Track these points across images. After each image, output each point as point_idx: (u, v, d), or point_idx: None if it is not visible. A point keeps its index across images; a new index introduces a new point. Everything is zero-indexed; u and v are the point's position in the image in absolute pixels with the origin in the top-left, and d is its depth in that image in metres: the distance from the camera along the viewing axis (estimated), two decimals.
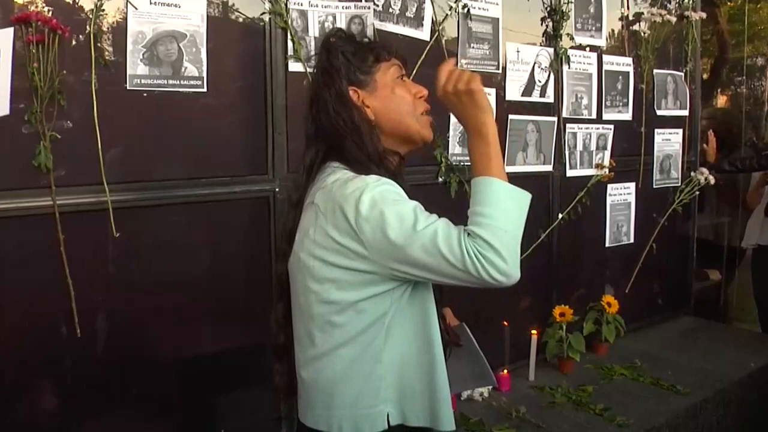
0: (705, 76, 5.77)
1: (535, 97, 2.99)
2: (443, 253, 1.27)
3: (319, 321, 1.43)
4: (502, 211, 1.31)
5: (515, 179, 2.81)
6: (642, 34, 3.44)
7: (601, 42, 3.26)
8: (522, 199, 1.36)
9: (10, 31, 1.71)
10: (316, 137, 1.51)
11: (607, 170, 3.28)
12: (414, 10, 2.51)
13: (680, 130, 3.74)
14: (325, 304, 1.41)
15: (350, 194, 1.33)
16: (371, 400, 1.43)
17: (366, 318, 1.40)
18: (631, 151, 3.47)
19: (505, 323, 2.86)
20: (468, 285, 1.30)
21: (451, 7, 2.62)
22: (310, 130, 1.52)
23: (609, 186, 3.39)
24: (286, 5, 2.19)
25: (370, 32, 2.30)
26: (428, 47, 2.54)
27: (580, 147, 3.21)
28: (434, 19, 2.57)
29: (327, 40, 1.53)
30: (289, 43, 2.21)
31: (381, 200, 1.31)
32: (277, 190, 2.24)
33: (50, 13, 1.78)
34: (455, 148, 2.70)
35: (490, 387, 2.80)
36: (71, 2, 1.83)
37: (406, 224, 1.30)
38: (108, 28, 1.89)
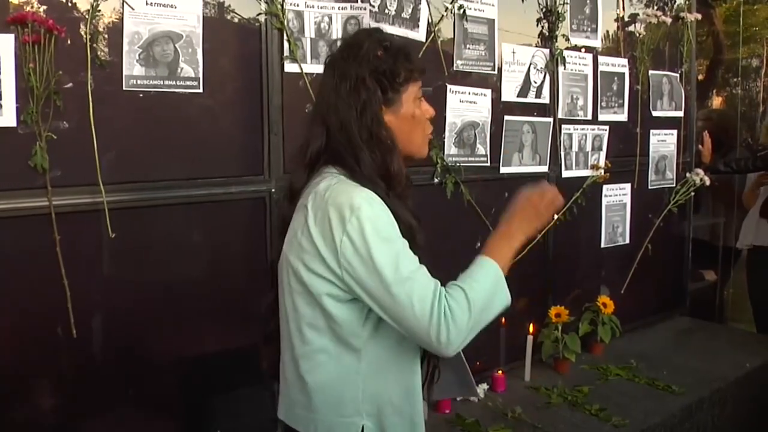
0: (700, 77, 5.78)
1: (531, 98, 2.99)
2: (413, 306, 1.32)
3: (301, 323, 1.44)
4: (488, 301, 1.40)
5: (511, 180, 2.81)
6: (637, 35, 3.45)
7: (597, 43, 3.26)
8: (504, 299, 1.45)
9: (11, 37, 1.71)
10: (326, 133, 1.47)
11: (602, 171, 3.29)
12: (410, 11, 2.51)
13: (675, 131, 3.76)
14: (307, 307, 1.43)
15: (341, 209, 1.34)
16: (348, 410, 1.44)
17: (343, 327, 1.41)
18: (626, 151, 3.49)
19: (503, 321, 2.87)
20: (410, 335, 1.37)
21: (446, 8, 2.62)
22: (317, 121, 1.49)
23: (604, 187, 3.39)
24: (282, 6, 2.19)
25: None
26: (424, 48, 2.54)
27: (575, 148, 3.22)
28: (430, 20, 2.57)
29: (370, 51, 1.45)
30: (285, 44, 2.21)
31: (371, 229, 1.33)
32: (273, 190, 2.24)
33: (46, 13, 1.77)
34: (451, 149, 2.70)
35: (486, 387, 2.81)
36: (67, 3, 1.83)
37: (389, 267, 1.33)
38: (104, 29, 1.89)
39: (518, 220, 1.52)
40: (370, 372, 1.43)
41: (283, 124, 2.24)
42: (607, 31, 3.39)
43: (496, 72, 2.84)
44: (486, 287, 1.39)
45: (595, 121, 3.29)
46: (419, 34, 2.54)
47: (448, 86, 2.67)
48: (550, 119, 3.08)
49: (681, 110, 3.76)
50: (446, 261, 2.79)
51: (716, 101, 6.38)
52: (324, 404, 1.44)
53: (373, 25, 2.36)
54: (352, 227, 1.33)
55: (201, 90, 2.06)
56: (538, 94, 3.02)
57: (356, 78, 1.44)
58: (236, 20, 2.16)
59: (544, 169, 3.09)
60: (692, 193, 3.76)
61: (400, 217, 1.41)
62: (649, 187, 3.64)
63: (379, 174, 1.43)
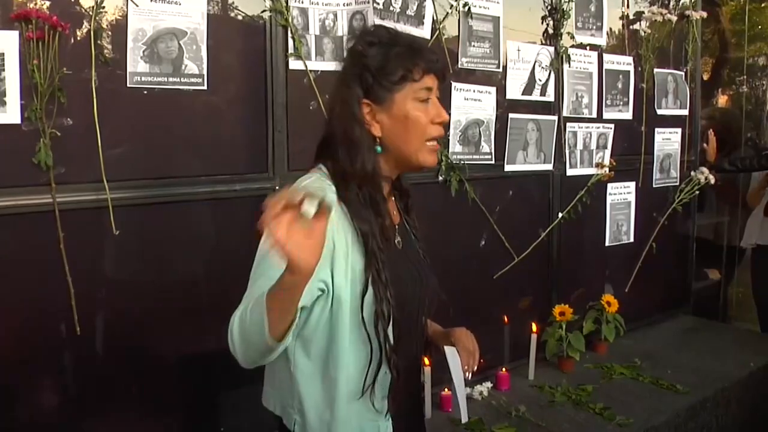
0: (706, 75, 5.77)
1: (536, 96, 2.99)
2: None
3: None
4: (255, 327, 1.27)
5: (515, 178, 2.80)
6: (642, 33, 3.43)
7: (602, 41, 3.25)
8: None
9: (15, 34, 1.71)
10: (325, 126, 1.50)
11: (607, 169, 3.29)
12: (415, 8, 2.50)
13: (680, 130, 3.75)
14: None
15: None
16: (287, 399, 1.48)
17: None
18: (631, 150, 3.48)
19: (506, 319, 2.88)
20: None
21: (451, 6, 2.62)
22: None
23: (609, 185, 3.39)
24: (286, 3, 2.18)
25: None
26: (428, 45, 2.53)
27: (580, 146, 3.21)
28: (435, 17, 2.56)
29: (355, 47, 1.44)
30: (290, 41, 2.21)
31: None
32: (277, 188, 2.23)
33: (50, 10, 1.77)
34: (455, 147, 2.70)
35: (490, 385, 2.80)
36: None
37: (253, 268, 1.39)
38: (108, 26, 1.89)
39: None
40: (299, 373, 1.44)
41: (287, 122, 2.23)
42: (612, 29, 3.38)
43: (500, 70, 2.84)
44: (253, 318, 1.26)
45: (599, 119, 3.28)
46: (424, 32, 2.54)
47: (453, 84, 2.66)
48: (555, 117, 3.07)
49: (686, 109, 3.75)
50: (451, 259, 2.79)
51: (721, 100, 6.35)
52: (280, 385, 1.50)
53: (378, 22, 2.35)
54: None
55: (205, 87, 2.06)
56: (543, 92, 3.01)
57: (341, 75, 1.46)
58: (240, 17, 2.16)
59: (549, 167, 3.08)
60: (697, 192, 3.76)
61: (357, 221, 1.38)
62: (654, 186, 3.63)
63: (353, 173, 1.40)
